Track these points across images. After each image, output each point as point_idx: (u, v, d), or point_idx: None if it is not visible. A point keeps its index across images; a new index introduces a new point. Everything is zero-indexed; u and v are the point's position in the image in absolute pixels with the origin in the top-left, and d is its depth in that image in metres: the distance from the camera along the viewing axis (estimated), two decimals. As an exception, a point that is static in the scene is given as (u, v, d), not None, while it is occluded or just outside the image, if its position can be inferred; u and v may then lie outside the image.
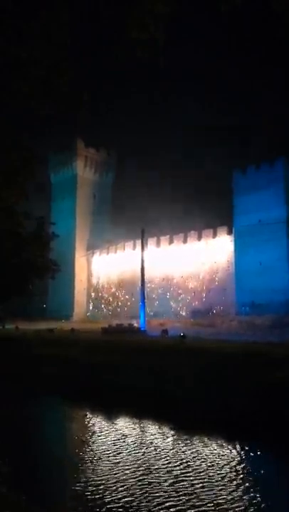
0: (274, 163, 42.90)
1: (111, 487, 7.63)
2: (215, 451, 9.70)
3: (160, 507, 6.92)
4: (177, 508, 6.89)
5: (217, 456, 9.42)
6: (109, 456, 9.39)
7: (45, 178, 65.82)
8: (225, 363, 15.15)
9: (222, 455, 9.48)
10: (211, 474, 8.30)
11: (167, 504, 7.00)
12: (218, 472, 8.44)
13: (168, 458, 9.30)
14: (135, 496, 7.29)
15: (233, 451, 9.73)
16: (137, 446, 10.13)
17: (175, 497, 7.25)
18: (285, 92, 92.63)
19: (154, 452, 9.68)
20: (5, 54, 5.58)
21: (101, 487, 7.65)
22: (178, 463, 8.96)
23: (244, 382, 12.98)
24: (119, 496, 7.26)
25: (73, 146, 63.46)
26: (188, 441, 10.39)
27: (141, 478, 8.07)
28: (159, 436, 10.94)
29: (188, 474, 8.31)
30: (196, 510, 6.83)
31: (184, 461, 9.09)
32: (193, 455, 9.45)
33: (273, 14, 5.21)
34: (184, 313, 48.03)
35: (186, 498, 7.19)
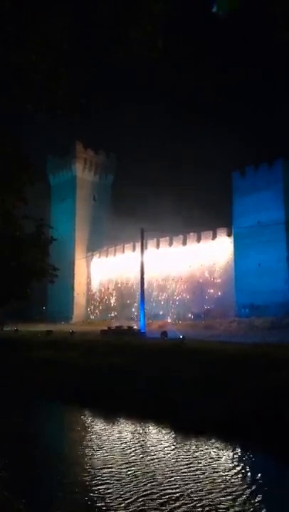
0: (273, 164, 42.93)
1: (112, 493, 7.61)
2: (217, 454, 9.67)
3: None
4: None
5: (220, 459, 9.40)
6: (110, 461, 9.36)
7: (44, 180, 65.86)
8: (225, 364, 15.14)
9: (225, 458, 9.46)
10: (213, 477, 8.28)
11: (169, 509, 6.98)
12: (221, 475, 8.42)
13: (169, 462, 9.28)
14: (137, 501, 7.26)
15: (235, 453, 9.71)
16: (138, 452, 10.10)
17: (177, 502, 7.22)
18: (285, 92, 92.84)
19: (156, 457, 9.65)
20: (3, 60, 5.57)
21: (102, 493, 7.63)
22: (180, 467, 8.93)
23: (245, 383, 12.97)
24: (121, 502, 7.23)
25: (72, 148, 63.53)
26: (190, 445, 10.37)
27: (143, 484, 8.05)
28: (160, 440, 10.92)
29: (190, 477, 8.28)
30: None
31: (186, 464, 9.07)
32: (195, 458, 9.42)
33: (270, 17, 5.22)
34: (183, 315, 48.02)
35: (188, 502, 7.16)
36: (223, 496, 7.41)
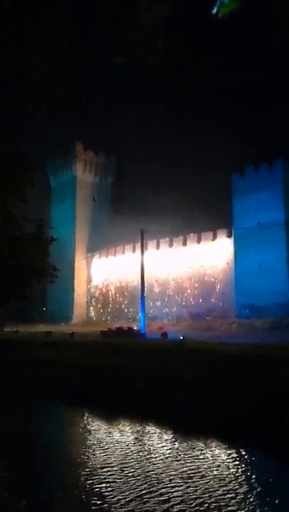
0: (273, 164, 42.91)
1: (112, 493, 7.61)
2: (217, 454, 9.67)
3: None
4: None
5: (220, 459, 9.40)
6: (110, 461, 9.36)
7: (45, 181, 65.90)
8: (225, 365, 15.15)
9: (225, 458, 9.46)
10: (213, 477, 8.27)
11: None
12: (221, 475, 8.42)
13: (169, 462, 9.28)
14: (137, 501, 7.26)
15: (235, 453, 9.71)
16: (138, 452, 10.10)
17: (177, 501, 7.22)
18: (285, 92, 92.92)
19: (156, 457, 9.66)
20: (3, 60, 5.58)
21: (102, 493, 7.62)
22: (179, 467, 8.93)
23: (245, 383, 12.97)
24: (121, 501, 7.23)
25: (72, 148, 63.58)
26: (190, 444, 10.36)
27: (143, 484, 8.05)
28: (160, 440, 10.92)
29: (189, 477, 8.28)
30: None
31: (186, 464, 9.07)
32: (194, 458, 9.42)
33: (270, 17, 5.22)
34: (183, 316, 48.00)
35: (188, 502, 7.16)
36: (223, 496, 7.41)
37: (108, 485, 7.90)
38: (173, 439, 10.86)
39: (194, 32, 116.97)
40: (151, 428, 12.00)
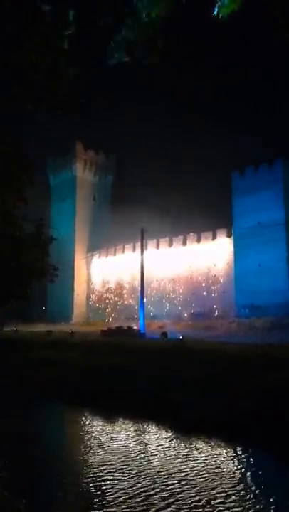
0: (273, 164, 42.93)
1: (112, 493, 7.61)
2: (217, 454, 9.67)
3: None
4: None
5: (220, 459, 9.40)
6: (110, 461, 9.36)
7: (45, 181, 65.94)
8: (225, 364, 15.15)
9: (225, 458, 9.46)
10: (213, 477, 8.28)
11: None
12: (221, 475, 8.42)
13: (169, 462, 9.28)
14: (137, 501, 7.26)
15: (235, 453, 9.72)
16: (138, 452, 10.10)
17: (177, 501, 7.22)
18: (285, 92, 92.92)
19: (156, 457, 9.66)
20: (3, 60, 5.57)
21: (102, 493, 7.62)
22: (180, 467, 8.93)
23: (245, 383, 12.97)
24: (121, 501, 7.23)
25: (72, 148, 63.62)
26: (190, 445, 10.36)
27: (143, 484, 8.04)
28: (160, 440, 10.92)
29: (190, 477, 8.28)
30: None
31: (186, 464, 9.07)
32: (194, 458, 9.42)
33: (270, 17, 5.20)
34: (183, 316, 48.00)
35: (188, 502, 7.16)
36: (223, 496, 7.40)
37: (108, 485, 7.89)
38: (173, 439, 10.86)
39: (194, 32, 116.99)
40: (151, 428, 12.00)
